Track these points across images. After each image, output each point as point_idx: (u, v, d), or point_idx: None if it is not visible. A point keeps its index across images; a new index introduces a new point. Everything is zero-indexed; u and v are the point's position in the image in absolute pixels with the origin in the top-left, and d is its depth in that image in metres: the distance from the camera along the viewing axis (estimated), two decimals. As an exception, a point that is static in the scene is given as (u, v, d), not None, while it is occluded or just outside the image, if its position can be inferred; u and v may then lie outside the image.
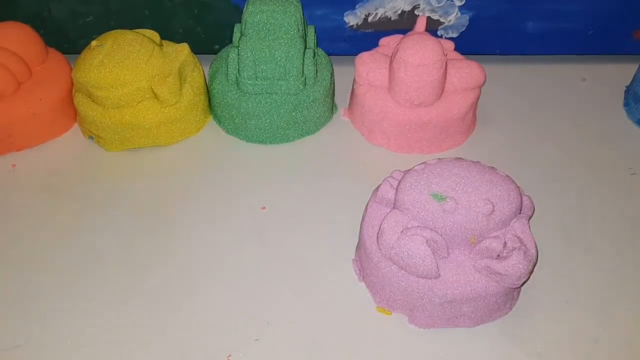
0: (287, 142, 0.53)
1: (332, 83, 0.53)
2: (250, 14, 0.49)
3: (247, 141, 0.53)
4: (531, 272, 0.39)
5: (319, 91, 0.51)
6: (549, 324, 0.41)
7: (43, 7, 0.56)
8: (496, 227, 0.38)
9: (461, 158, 0.41)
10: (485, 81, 0.51)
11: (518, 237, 0.38)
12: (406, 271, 0.39)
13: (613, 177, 0.50)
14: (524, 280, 0.38)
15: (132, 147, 0.51)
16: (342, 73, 0.55)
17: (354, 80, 0.52)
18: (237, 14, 0.56)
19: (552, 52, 0.60)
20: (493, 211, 0.38)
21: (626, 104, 0.56)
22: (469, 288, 0.38)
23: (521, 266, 0.37)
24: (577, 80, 0.59)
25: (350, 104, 0.55)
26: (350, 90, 0.54)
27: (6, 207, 0.48)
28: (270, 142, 0.53)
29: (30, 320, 0.41)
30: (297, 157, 0.52)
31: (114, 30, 0.49)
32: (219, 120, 0.54)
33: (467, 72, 0.50)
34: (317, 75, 0.51)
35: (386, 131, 0.51)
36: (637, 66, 0.55)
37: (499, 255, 0.38)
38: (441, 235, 0.38)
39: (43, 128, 0.52)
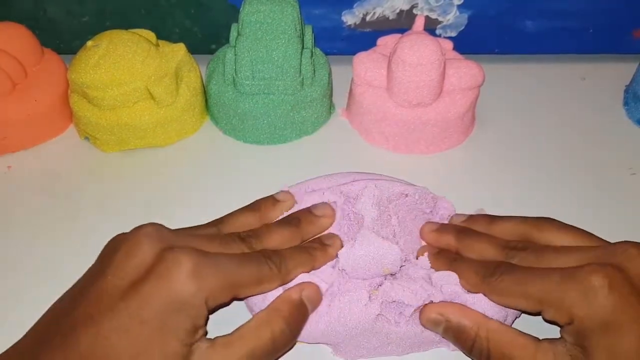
0: (285, 142, 0.52)
1: (330, 83, 0.53)
2: (247, 13, 0.49)
3: (244, 142, 0.52)
4: None
5: (317, 91, 0.51)
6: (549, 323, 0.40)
7: (38, 7, 0.55)
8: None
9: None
10: (484, 81, 0.50)
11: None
12: None
13: (613, 177, 0.50)
14: None
15: (128, 148, 0.51)
16: (340, 73, 0.55)
17: (352, 80, 0.52)
18: (234, 13, 0.56)
19: (551, 51, 0.60)
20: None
21: (626, 104, 0.56)
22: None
23: None
24: (577, 80, 0.59)
25: (348, 104, 0.54)
26: (348, 90, 0.54)
27: (2, 209, 0.47)
28: (268, 143, 0.52)
29: (27, 324, 0.40)
30: (295, 157, 0.51)
31: (110, 31, 0.49)
32: (215, 120, 0.53)
33: (465, 71, 0.49)
34: (314, 75, 0.51)
35: (384, 131, 0.51)
36: (636, 65, 0.55)
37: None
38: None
39: (39, 129, 0.51)
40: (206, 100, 0.53)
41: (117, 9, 0.56)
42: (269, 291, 0.36)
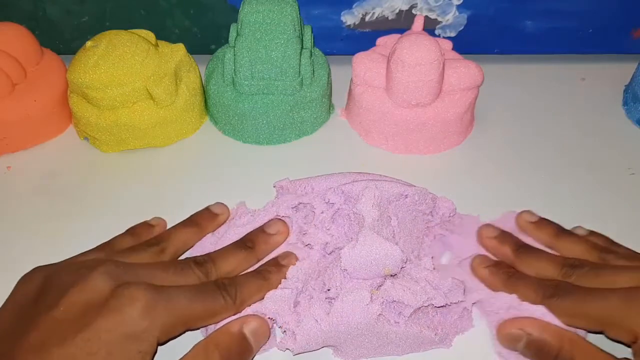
0: (284, 142, 0.52)
1: (329, 83, 0.53)
2: (247, 14, 0.49)
3: (244, 142, 0.52)
4: None
5: (316, 91, 0.51)
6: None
7: (38, 8, 0.55)
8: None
9: None
10: (483, 81, 0.50)
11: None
12: None
13: (612, 177, 0.50)
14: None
15: (127, 148, 0.51)
16: (340, 73, 0.55)
17: (351, 80, 0.52)
18: (233, 13, 0.56)
19: (550, 51, 0.60)
20: None
21: (625, 104, 0.56)
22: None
23: None
24: (576, 80, 0.59)
25: (347, 104, 0.54)
26: (347, 90, 0.54)
27: (2, 209, 0.47)
28: (267, 143, 0.52)
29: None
30: (294, 158, 0.51)
31: (109, 31, 0.49)
32: (215, 121, 0.54)
33: (464, 71, 0.49)
34: (314, 76, 0.51)
35: (384, 131, 0.51)
36: (636, 65, 0.55)
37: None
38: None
39: (38, 129, 0.51)
40: (205, 101, 0.53)
41: (117, 9, 0.56)
42: (223, 320, 0.36)
